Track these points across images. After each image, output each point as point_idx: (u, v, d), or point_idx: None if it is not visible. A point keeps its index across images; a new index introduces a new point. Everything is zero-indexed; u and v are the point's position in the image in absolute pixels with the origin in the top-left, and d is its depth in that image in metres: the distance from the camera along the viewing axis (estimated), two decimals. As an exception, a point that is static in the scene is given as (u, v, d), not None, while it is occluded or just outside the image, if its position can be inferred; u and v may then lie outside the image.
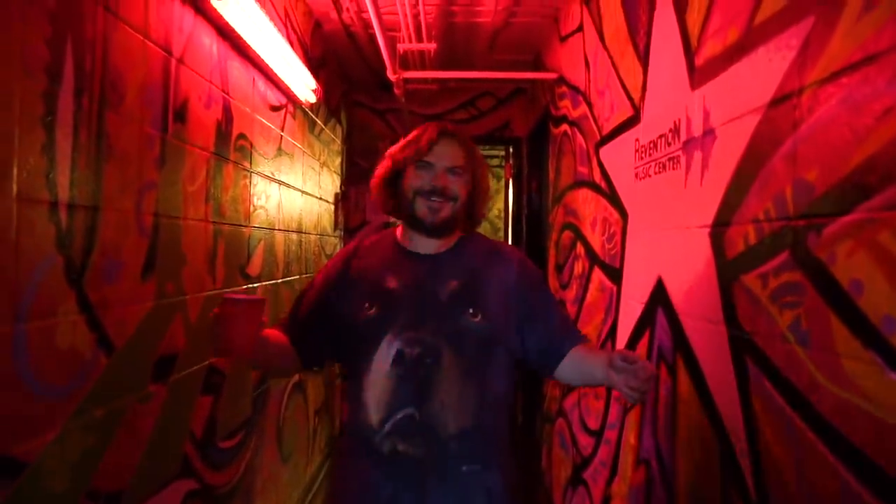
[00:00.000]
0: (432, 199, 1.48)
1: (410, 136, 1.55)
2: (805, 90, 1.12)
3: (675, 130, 1.74)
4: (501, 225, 8.63)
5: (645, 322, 2.02)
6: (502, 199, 8.51)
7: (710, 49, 1.52)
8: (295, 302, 1.62)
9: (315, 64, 3.68)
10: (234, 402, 2.37)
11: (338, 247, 4.61)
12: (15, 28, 1.15)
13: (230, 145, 2.28)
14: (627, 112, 2.21)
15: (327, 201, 4.25)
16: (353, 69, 4.68)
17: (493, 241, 1.70)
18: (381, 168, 1.59)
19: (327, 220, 4.25)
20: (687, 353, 1.67)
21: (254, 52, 2.43)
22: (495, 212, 8.72)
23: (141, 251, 1.62)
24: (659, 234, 1.89)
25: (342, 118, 4.77)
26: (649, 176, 1.97)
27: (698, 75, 1.60)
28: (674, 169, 1.75)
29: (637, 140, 2.09)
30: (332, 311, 1.55)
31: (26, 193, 1.18)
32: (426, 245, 1.55)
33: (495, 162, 8.76)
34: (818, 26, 1.09)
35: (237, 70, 2.35)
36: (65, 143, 1.30)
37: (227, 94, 2.24)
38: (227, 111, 2.24)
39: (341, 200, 4.62)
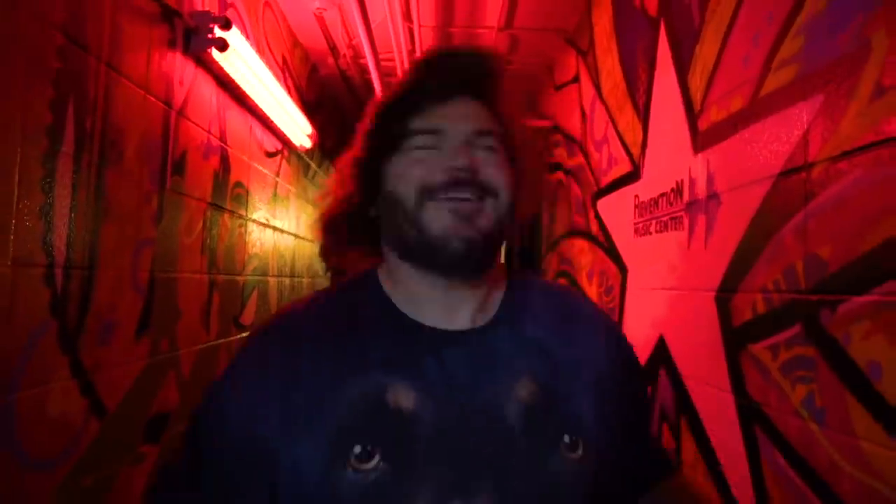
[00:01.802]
0: (452, 194, 0.73)
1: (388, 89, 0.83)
2: (816, 165, 1.12)
3: (678, 191, 1.74)
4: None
5: (646, 380, 1.99)
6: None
7: (713, 114, 1.53)
8: None
9: (311, 107, 3.69)
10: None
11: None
12: (17, 93, 1.13)
13: (227, 194, 2.26)
14: (626, 167, 2.21)
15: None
16: (348, 112, 4.69)
17: (559, 287, 1.00)
18: (341, 170, 0.84)
19: (319, 262, 4.22)
20: (692, 416, 1.64)
21: (252, 100, 2.42)
22: (485, 250, 8.71)
23: (136, 309, 1.58)
24: (661, 293, 1.87)
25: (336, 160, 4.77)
26: (650, 233, 1.96)
27: (702, 139, 1.60)
28: (676, 229, 1.75)
29: (637, 196, 2.09)
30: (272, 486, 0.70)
31: (22, 258, 1.15)
32: (452, 307, 0.77)
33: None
34: (829, 104, 1.09)
35: (235, 119, 2.34)
36: (63, 205, 1.27)
37: (225, 143, 2.23)
38: (224, 160, 2.22)
39: (323, 241, 4.58)
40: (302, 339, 0.75)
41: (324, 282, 4.38)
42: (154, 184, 1.67)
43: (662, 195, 1.86)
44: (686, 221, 1.68)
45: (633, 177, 2.15)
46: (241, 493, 0.70)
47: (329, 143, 4.41)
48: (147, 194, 1.63)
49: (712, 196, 1.53)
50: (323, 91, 4.11)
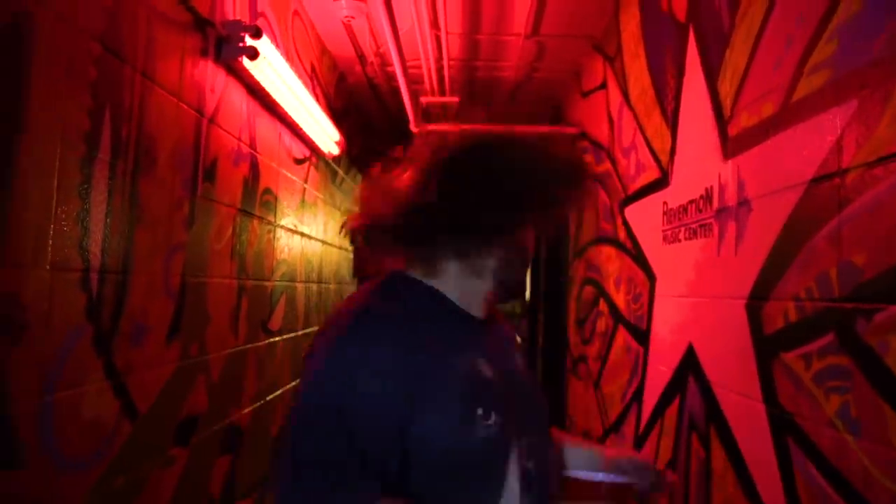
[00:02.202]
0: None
1: (565, 169, 1.02)
2: (850, 171, 1.10)
3: (707, 198, 1.72)
4: (517, 270, 8.59)
5: (675, 388, 1.97)
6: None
7: (744, 120, 1.51)
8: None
9: (338, 114, 3.72)
10: (252, 459, 2.33)
11: (355, 294, 4.58)
12: (58, 101, 1.16)
13: (256, 201, 2.29)
14: (655, 174, 2.19)
15: (346, 250, 4.26)
16: (375, 119, 4.73)
17: None
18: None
19: (346, 268, 4.25)
20: (721, 425, 1.61)
21: (281, 108, 2.45)
22: (511, 257, 8.71)
23: (167, 314, 1.61)
24: (690, 301, 1.85)
25: (363, 167, 4.81)
26: (679, 241, 1.94)
27: (732, 145, 1.58)
28: (705, 236, 1.73)
29: (665, 203, 2.07)
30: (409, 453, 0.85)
31: (60, 262, 1.18)
32: (481, 305, 1.03)
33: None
34: (863, 109, 1.07)
35: (264, 126, 2.37)
36: (98, 211, 1.30)
37: (255, 150, 2.26)
38: (254, 167, 2.25)
39: (359, 249, 4.62)
40: (402, 327, 0.89)
41: (351, 287, 4.40)
42: (186, 190, 1.70)
43: (692, 202, 1.84)
44: (716, 228, 1.66)
45: (661, 183, 2.13)
46: (386, 468, 0.82)
47: (356, 150, 4.44)
48: (179, 200, 1.66)
49: (743, 203, 1.51)
50: (350, 99, 4.15)
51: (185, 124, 1.69)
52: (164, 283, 1.59)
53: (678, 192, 1.97)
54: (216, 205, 1.91)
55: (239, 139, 2.09)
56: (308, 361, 0.90)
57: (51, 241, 1.15)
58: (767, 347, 1.39)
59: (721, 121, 1.65)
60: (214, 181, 1.89)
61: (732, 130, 1.58)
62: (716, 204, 1.66)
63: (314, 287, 3.29)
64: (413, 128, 3.61)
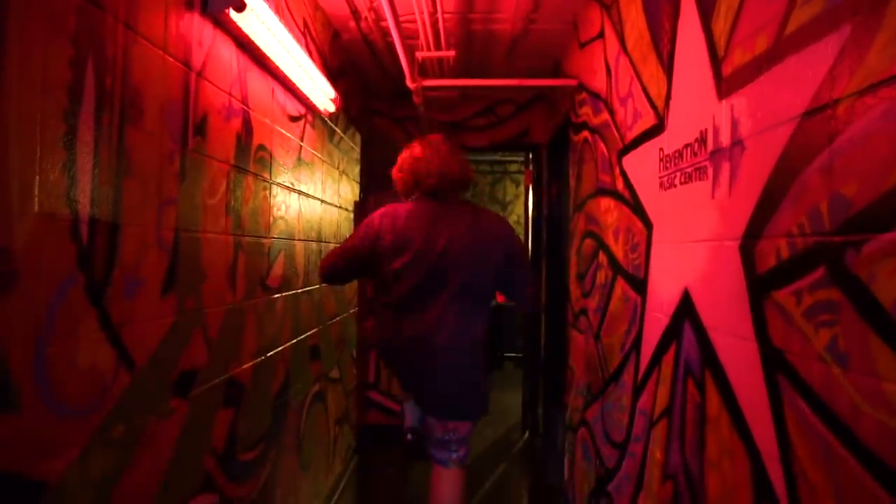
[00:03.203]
0: None
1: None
2: (841, 101, 1.08)
3: (702, 140, 1.70)
4: (521, 231, 8.61)
5: (671, 335, 1.97)
6: (521, 205, 8.49)
7: (738, 58, 1.48)
8: None
9: (334, 73, 3.68)
10: (254, 414, 2.36)
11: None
12: (38, 51, 1.15)
13: (250, 157, 2.28)
14: (651, 121, 2.17)
15: (346, 209, 4.25)
16: (372, 78, 4.68)
17: None
18: None
19: (346, 228, 4.25)
20: (716, 369, 1.62)
21: (273, 63, 2.42)
22: (514, 217, 8.69)
23: (161, 267, 1.61)
24: (685, 246, 1.84)
25: (361, 126, 4.77)
26: (674, 186, 1.93)
27: (725, 84, 1.56)
28: (700, 180, 1.71)
29: (661, 149, 2.05)
30: None
31: (48, 212, 1.18)
32: None
33: (514, 168, 8.74)
34: (855, 36, 1.05)
35: (256, 81, 2.35)
36: (85, 161, 1.30)
37: (247, 105, 2.24)
38: (246, 123, 2.24)
39: (360, 208, 4.61)
40: None
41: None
42: (176, 144, 1.69)
43: (687, 146, 1.82)
44: (710, 171, 1.64)
45: (657, 130, 2.10)
46: None
47: (354, 109, 4.40)
48: (169, 154, 1.65)
49: (737, 143, 1.49)
50: (346, 57, 4.10)
51: (172, 77, 1.67)
52: (157, 237, 1.59)
53: (674, 138, 1.95)
54: (208, 160, 1.90)
55: (230, 94, 2.07)
56: (496, 232, 2.55)
57: (37, 191, 1.15)
58: (760, 286, 1.39)
59: (715, 61, 1.62)
60: (206, 136, 1.88)
61: (727, 70, 1.55)
62: (710, 146, 1.64)
63: (314, 245, 3.30)
64: (409, 83, 3.57)
